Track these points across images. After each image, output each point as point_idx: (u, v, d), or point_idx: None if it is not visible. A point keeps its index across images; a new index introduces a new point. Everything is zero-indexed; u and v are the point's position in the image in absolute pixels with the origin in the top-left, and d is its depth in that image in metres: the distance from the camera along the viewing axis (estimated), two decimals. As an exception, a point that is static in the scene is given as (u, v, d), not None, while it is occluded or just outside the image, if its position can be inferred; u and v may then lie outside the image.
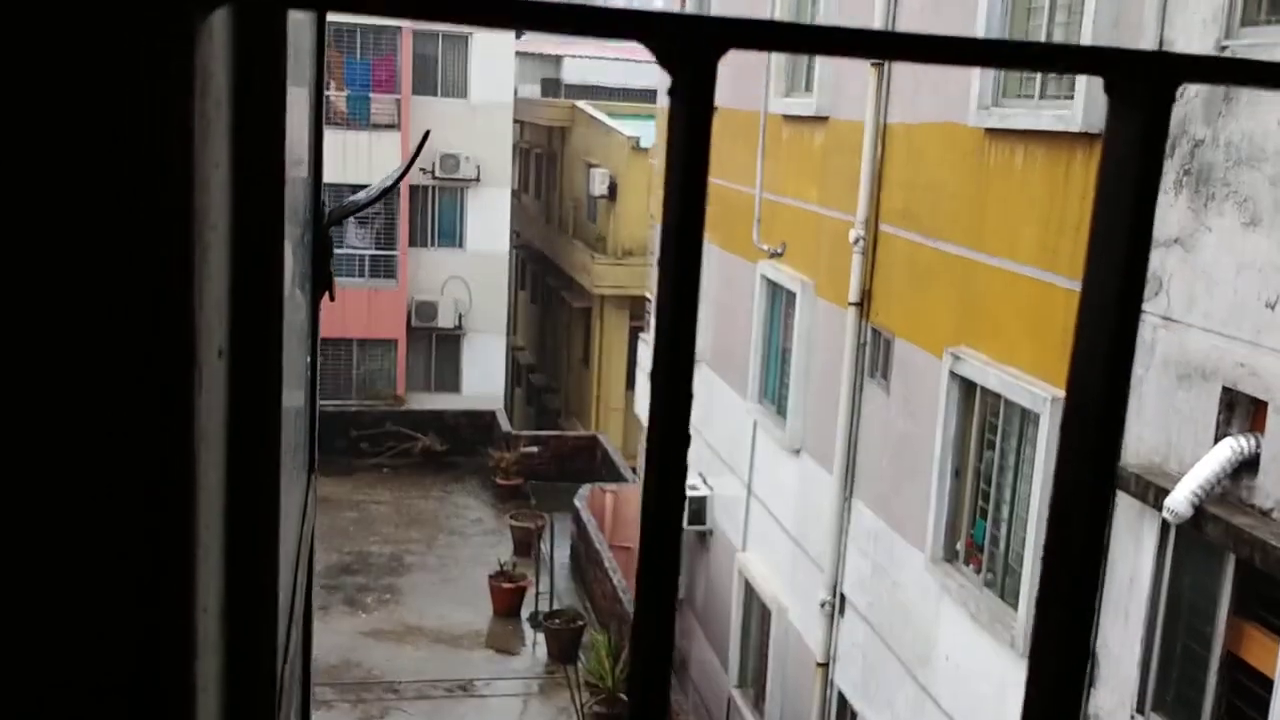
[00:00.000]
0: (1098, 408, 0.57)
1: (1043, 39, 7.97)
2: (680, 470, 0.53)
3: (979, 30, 8.37)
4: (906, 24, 9.74)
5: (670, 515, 0.56)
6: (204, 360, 0.55)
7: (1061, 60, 0.55)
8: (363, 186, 21.28)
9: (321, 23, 1.62)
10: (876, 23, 9.96)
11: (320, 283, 1.52)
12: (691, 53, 0.50)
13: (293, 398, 1.26)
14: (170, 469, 0.49)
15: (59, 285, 0.46)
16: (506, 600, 17.33)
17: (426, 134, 2.85)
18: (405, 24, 24.87)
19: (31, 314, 0.46)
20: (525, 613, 17.36)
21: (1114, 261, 0.56)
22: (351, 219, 25.38)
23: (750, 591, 12.97)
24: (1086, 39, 7.18)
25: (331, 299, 1.61)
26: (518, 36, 26.83)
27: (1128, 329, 0.57)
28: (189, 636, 0.54)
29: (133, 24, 0.44)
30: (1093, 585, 0.62)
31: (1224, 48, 6.15)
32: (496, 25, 0.49)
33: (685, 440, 0.55)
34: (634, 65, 34.12)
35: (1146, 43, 6.67)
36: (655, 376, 0.56)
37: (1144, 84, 0.54)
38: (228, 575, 0.74)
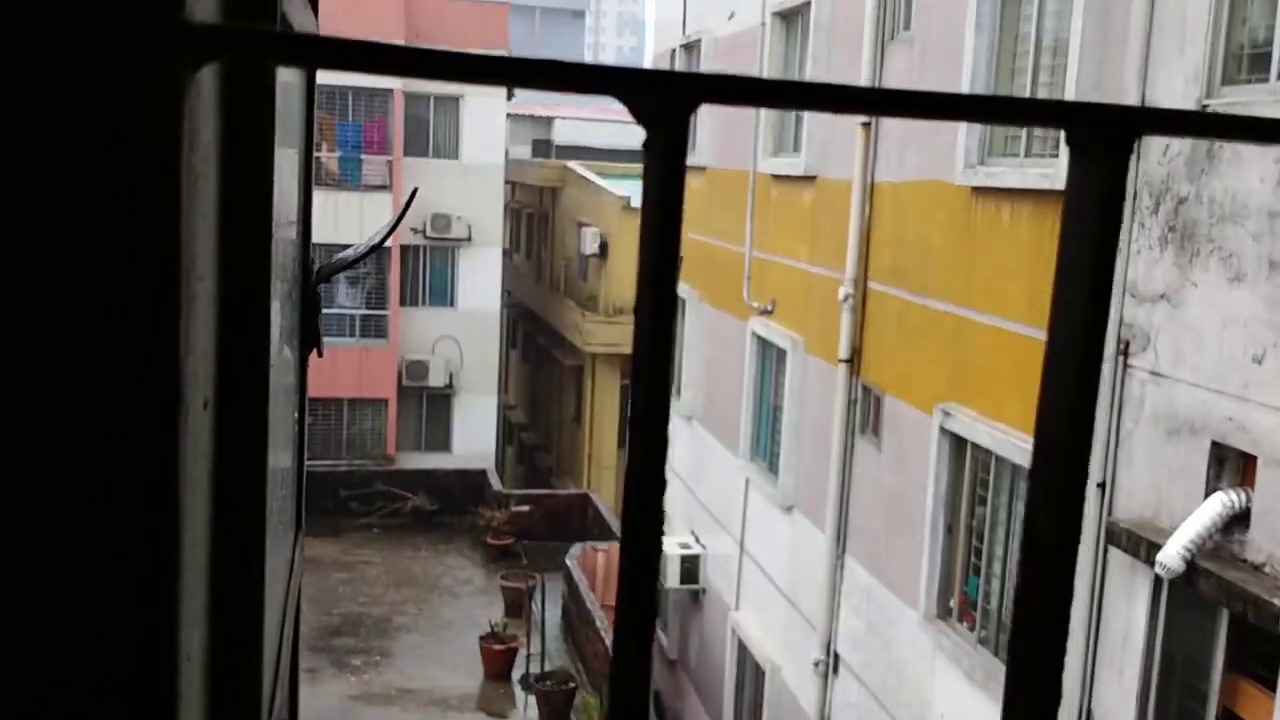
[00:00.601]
0: (1064, 458, 0.58)
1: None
2: (658, 512, 0.54)
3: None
4: (893, 86, 9.88)
5: (648, 562, 0.56)
6: (190, 408, 0.56)
7: (1022, 113, 0.57)
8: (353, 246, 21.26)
9: (311, 82, 1.64)
10: (863, 83, 10.11)
11: (308, 340, 1.53)
12: (664, 107, 0.52)
13: (280, 454, 1.26)
14: (154, 515, 0.50)
15: (46, 329, 0.47)
16: (497, 662, 17.14)
17: (414, 192, 2.88)
18: (397, 86, 25.14)
19: (17, 359, 0.47)
20: (517, 675, 17.16)
21: (1077, 309, 0.58)
22: (342, 278, 25.46)
23: (743, 650, 12.86)
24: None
25: (319, 355, 1.62)
26: (509, 98, 27.13)
27: (1090, 377, 0.58)
28: (172, 685, 0.55)
29: (123, 77, 0.45)
30: (1063, 629, 0.63)
31: (1205, 106, 6.25)
32: (476, 82, 0.51)
33: (662, 484, 0.56)
34: (623, 126, 34.47)
35: (1129, 103, 6.78)
36: (633, 428, 0.57)
37: (1103, 136, 0.56)
38: (212, 625, 0.74)
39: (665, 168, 0.52)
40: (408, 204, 2.65)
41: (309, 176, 1.70)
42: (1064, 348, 0.59)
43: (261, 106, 0.68)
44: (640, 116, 0.53)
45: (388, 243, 24.87)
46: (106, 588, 0.50)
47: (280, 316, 1.43)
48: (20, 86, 0.44)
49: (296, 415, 1.58)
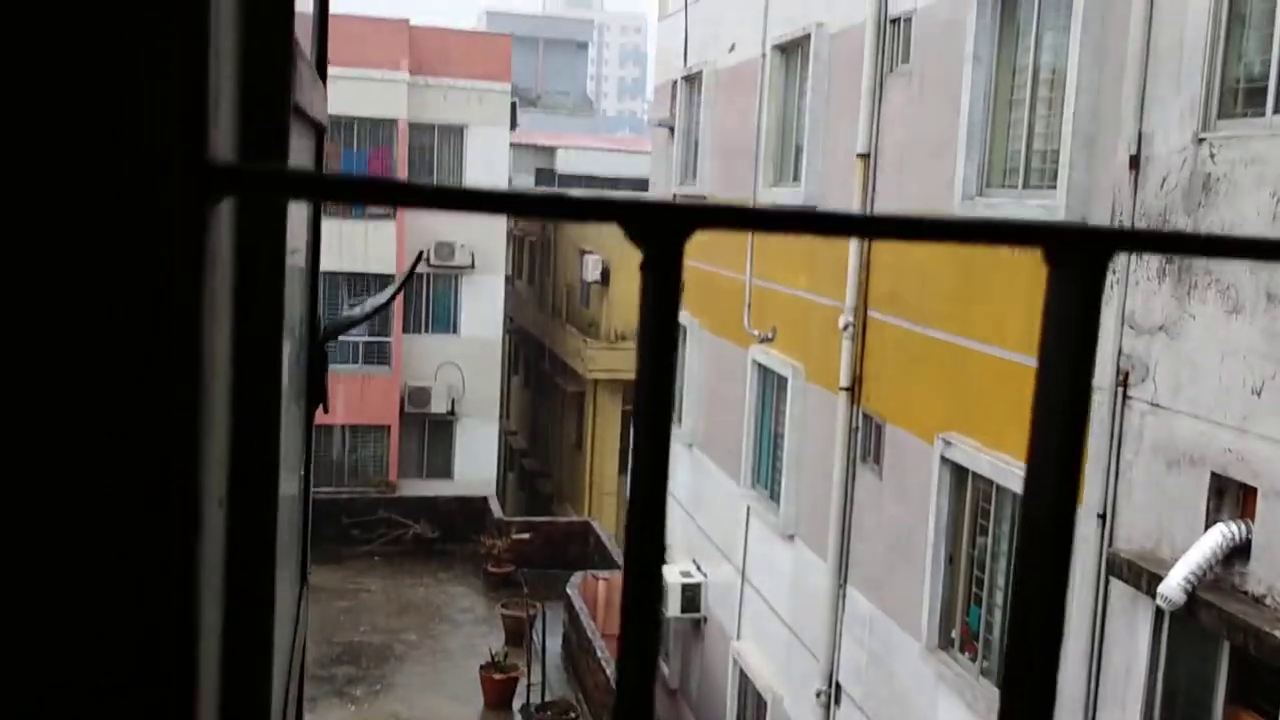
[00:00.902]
0: (1046, 574, 0.60)
1: (1024, 133, 8.15)
2: (659, 544, 0.56)
3: (962, 122, 8.55)
4: (892, 119, 9.96)
5: (650, 591, 0.59)
6: (207, 512, 0.59)
7: (1000, 234, 0.60)
8: (358, 275, 21.34)
9: (320, 143, 1.68)
10: (862, 115, 10.18)
11: (314, 397, 1.56)
12: (660, 234, 0.55)
13: (287, 514, 1.29)
14: (173, 633, 0.52)
15: (74, 441, 0.50)
16: (498, 691, 17.07)
17: (420, 254, 2.93)
18: (401, 115, 25.29)
19: (43, 467, 0.49)
20: (517, 704, 17.08)
21: (1056, 416, 0.60)
22: (346, 303, 25.51)
23: (745, 680, 12.82)
24: (1067, 132, 7.35)
25: (325, 411, 1.65)
26: (512, 127, 27.28)
27: (1069, 482, 0.60)
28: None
29: (149, 215, 0.48)
30: (1054, 664, 0.65)
31: (1201, 139, 6.30)
32: (484, 213, 0.54)
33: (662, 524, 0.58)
34: (626, 156, 34.64)
35: (1126, 136, 6.83)
36: (629, 525, 0.59)
37: (1078, 255, 0.59)
38: (222, 710, 0.76)
39: (660, 290, 0.55)
40: (414, 264, 2.69)
41: (318, 232, 1.73)
42: (1043, 453, 0.61)
43: (277, 221, 0.72)
44: (639, 242, 0.55)
45: (391, 270, 24.96)
46: (124, 695, 0.52)
47: (288, 377, 1.46)
48: (60, 221, 0.47)
49: (303, 472, 1.61)
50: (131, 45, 0.45)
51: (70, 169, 0.45)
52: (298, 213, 1.43)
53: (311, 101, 1.21)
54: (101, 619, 0.51)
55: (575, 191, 0.52)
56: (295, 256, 1.46)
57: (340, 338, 26.90)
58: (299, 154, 1.30)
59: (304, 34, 1.45)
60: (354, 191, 0.49)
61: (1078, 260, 0.58)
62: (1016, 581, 0.63)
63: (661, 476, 0.60)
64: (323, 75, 1.60)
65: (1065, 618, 0.62)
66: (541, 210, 0.55)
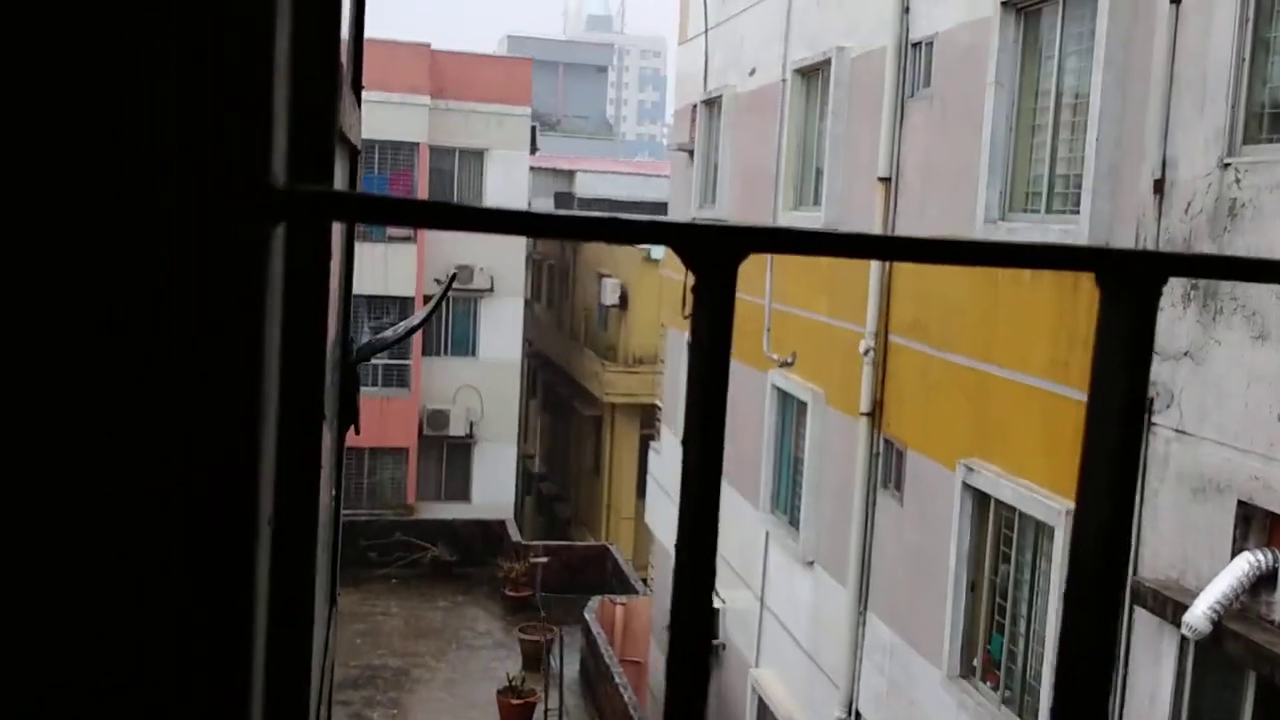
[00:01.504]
0: (1101, 588, 0.60)
1: (1046, 157, 8.14)
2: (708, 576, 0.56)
3: (989, 76, 8.50)
4: (913, 143, 9.96)
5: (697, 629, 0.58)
6: (260, 531, 0.59)
7: (1051, 258, 0.60)
8: (378, 298, 21.43)
9: (354, 163, 1.69)
10: (883, 139, 10.19)
11: (346, 418, 1.57)
12: (714, 257, 0.55)
13: (320, 540, 1.29)
14: (228, 646, 0.52)
15: (139, 462, 0.50)
16: (515, 716, 17.01)
17: (453, 275, 2.95)
18: (422, 140, 25.46)
19: (109, 489, 0.50)
20: (535, 728, 17.01)
21: (1108, 441, 0.60)
22: (365, 327, 25.62)
23: (764, 708, 12.73)
24: (1090, 157, 7.33)
25: (357, 433, 1.65)
26: (532, 151, 27.42)
27: (1125, 506, 0.60)
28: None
29: (215, 236, 0.49)
30: (1103, 705, 0.64)
31: (1226, 164, 6.27)
32: (533, 236, 0.54)
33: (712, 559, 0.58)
34: (645, 179, 34.75)
35: (1150, 161, 6.81)
36: (678, 568, 0.59)
37: (1132, 279, 0.58)
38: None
39: (713, 315, 0.55)
40: (447, 286, 2.69)
41: (351, 254, 1.74)
42: (1096, 478, 0.60)
43: (322, 243, 0.72)
44: (691, 265, 0.56)
45: (411, 293, 25.07)
46: (174, 694, 0.52)
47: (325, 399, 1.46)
48: (132, 242, 0.48)
49: (335, 493, 1.61)
50: (201, 70, 0.46)
51: (142, 191, 0.46)
52: (333, 236, 1.44)
53: (351, 125, 1.22)
54: (162, 635, 0.51)
55: (629, 216, 0.52)
56: (330, 279, 1.48)
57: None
58: (338, 177, 1.32)
59: (342, 56, 1.47)
60: (405, 214, 0.49)
61: (1131, 285, 0.58)
62: (1064, 626, 0.62)
63: (713, 503, 0.59)
64: (358, 97, 1.62)
65: (1115, 659, 0.62)
66: (597, 234, 0.55)
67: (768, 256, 13.07)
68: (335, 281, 1.55)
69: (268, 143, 0.47)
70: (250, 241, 0.48)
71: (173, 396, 0.48)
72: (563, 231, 0.53)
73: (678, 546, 0.58)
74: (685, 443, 0.56)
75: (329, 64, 0.75)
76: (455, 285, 26.06)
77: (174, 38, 0.46)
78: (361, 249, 25.16)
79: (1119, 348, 0.59)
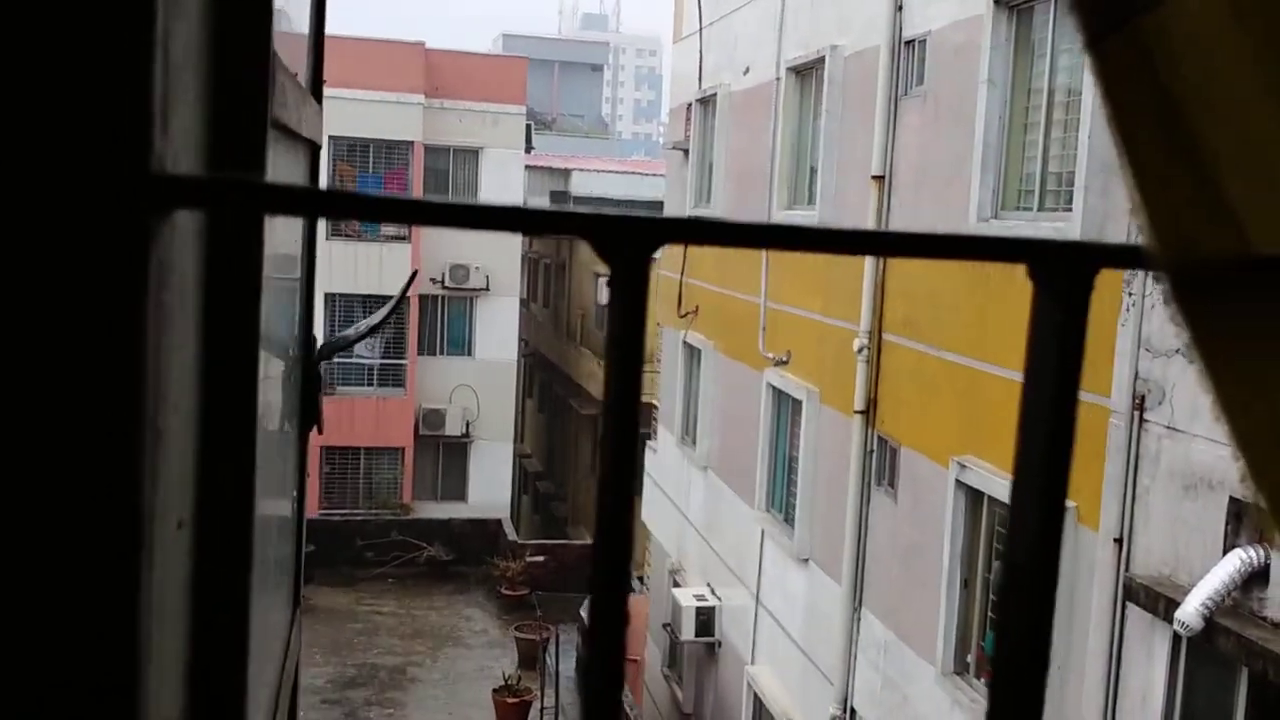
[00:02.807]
0: (1032, 597, 0.58)
1: (1039, 155, 8.12)
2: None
3: (981, 75, 8.49)
4: (906, 141, 9.95)
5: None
6: (159, 533, 0.57)
7: (984, 250, 0.58)
8: (373, 297, 21.44)
9: (315, 159, 1.67)
10: (877, 138, 10.18)
11: (309, 418, 1.55)
12: (626, 248, 0.53)
13: (272, 541, 1.27)
14: (114, 646, 0.50)
15: (7, 457, 0.48)
16: (511, 715, 17.00)
17: (414, 274, 2.93)
18: (417, 138, 25.43)
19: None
20: (531, 728, 17.01)
21: (1041, 437, 0.58)
22: (370, 330, 25.59)
23: (760, 705, 12.72)
24: (1082, 155, 7.32)
25: (320, 433, 1.63)
26: (528, 150, 27.39)
27: (1055, 504, 0.58)
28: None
29: (88, 228, 0.47)
30: (1043, 669, 0.62)
31: (1216, 162, 6.26)
32: (440, 225, 0.52)
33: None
34: (641, 177, 34.74)
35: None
36: (595, 550, 0.58)
37: (1063, 271, 0.57)
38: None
39: (627, 305, 0.53)
40: (407, 285, 2.69)
41: (313, 251, 1.72)
42: (1028, 473, 0.59)
43: (251, 236, 0.70)
44: (604, 256, 0.54)
45: (407, 293, 25.08)
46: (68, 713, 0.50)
47: (282, 397, 1.44)
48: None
49: (296, 494, 1.59)
50: (70, 52, 0.44)
51: (5, 179, 0.44)
52: (290, 233, 1.42)
53: (301, 119, 1.20)
54: (40, 641, 0.49)
55: (536, 205, 0.50)
56: (287, 276, 1.45)
57: (355, 360, 26.93)
58: (288, 171, 1.30)
59: (298, 55, 1.45)
60: (305, 204, 0.48)
61: (1062, 277, 0.57)
62: (999, 605, 0.61)
63: (626, 489, 0.58)
64: (318, 96, 1.60)
65: (1050, 650, 0.60)
66: (503, 224, 0.53)
67: (763, 256, 13.05)
68: (295, 279, 1.53)
69: (146, 128, 0.46)
70: (128, 229, 0.46)
71: (40, 392, 0.46)
72: (462, 221, 0.52)
73: (593, 549, 0.56)
74: (602, 432, 0.55)
75: (258, 55, 0.73)
76: (450, 284, 26.03)
77: (38, 24, 0.44)
78: (357, 249, 25.26)
79: (1052, 340, 0.57)
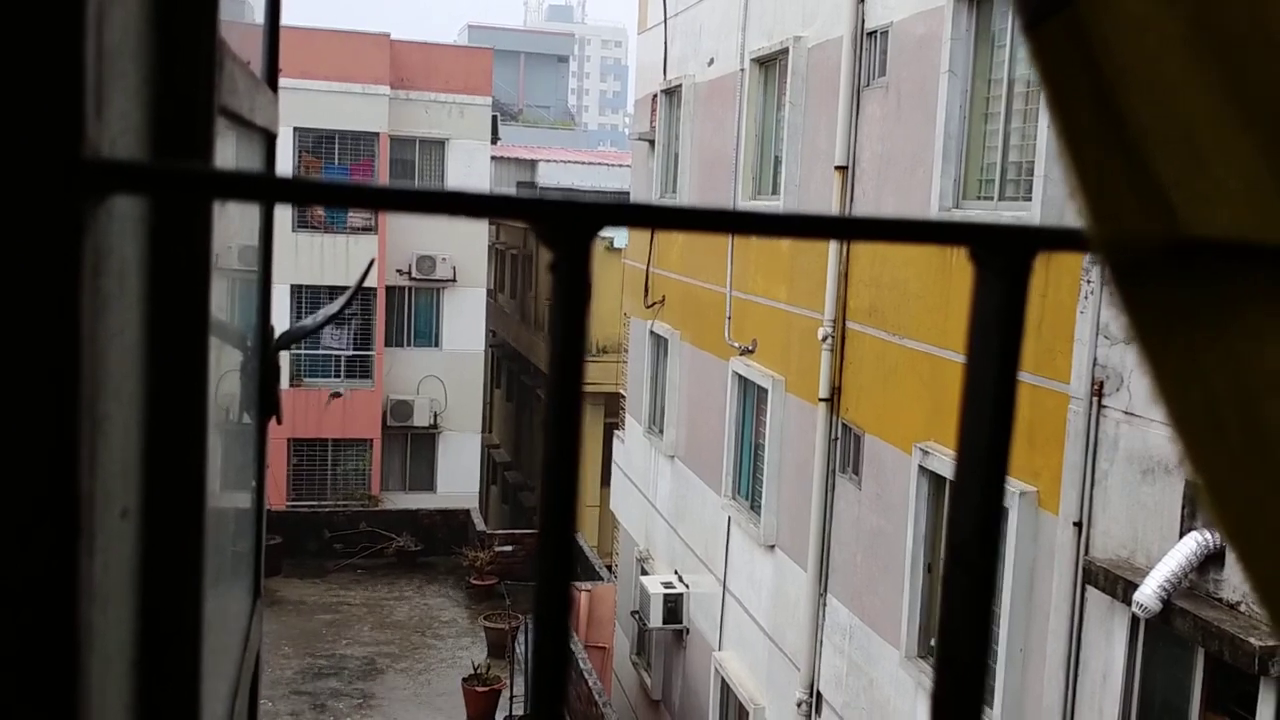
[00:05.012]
0: (972, 571, 0.59)
1: (999, 144, 8.19)
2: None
3: (943, 66, 8.54)
4: (869, 132, 9.99)
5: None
6: (99, 526, 0.57)
7: (929, 234, 0.59)
8: (339, 288, 21.27)
9: (271, 149, 1.66)
10: (840, 128, 10.21)
11: (267, 408, 1.54)
12: (567, 233, 0.53)
13: (229, 532, 1.26)
14: (51, 632, 0.50)
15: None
16: (481, 704, 16.99)
17: (371, 262, 2.92)
18: (383, 129, 25.27)
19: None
20: (500, 716, 17.01)
21: (982, 418, 0.59)
22: (328, 319, 25.42)
23: (727, 690, 12.79)
24: (1042, 144, 7.38)
25: (279, 422, 1.63)
26: (494, 141, 27.28)
27: (996, 482, 0.59)
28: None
29: (15, 213, 0.47)
30: (979, 682, 0.63)
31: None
32: (385, 210, 0.53)
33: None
34: (608, 169, 34.68)
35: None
36: (540, 519, 0.58)
37: (1002, 254, 0.58)
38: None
39: (569, 289, 0.54)
40: (364, 274, 2.68)
41: (270, 240, 1.71)
42: (971, 455, 0.60)
43: (197, 223, 0.70)
44: (547, 240, 0.54)
45: (373, 283, 24.90)
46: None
47: (239, 386, 1.43)
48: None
49: (255, 484, 1.58)
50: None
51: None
52: (247, 221, 1.41)
53: (253, 107, 1.19)
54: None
55: (477, 190, 0.50)
56: (243, 265, 1.45)
57: (322, 352, 26.70)
58: (242, 159, 1.29)
59: (252, 43, 1.44)
60: (241, 189, 0.48)
61: (1002, 258, 0.58)
62: (943, 605, 0.61)
63: (572, 471, 0.58)
64: (273, 85, 1.59)
65: (991, 625, 0.61)
66: (447, 208, 0.53)
67: (728, 246, 13.08)
68: (251, 267, 1.52)
69: (77, 113, 0.45)
70: (57, 216, 0.46)
71: None
72: (405, 205, 0.52)
73: (538, 536, 0.56)
74: (545, 421, 0.55)
75: (204, 41, 0.73)
76: (418, 275, 25.91)
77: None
78: (323, 240, 25.07)
79: (993, 322, 0.58)
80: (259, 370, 1.50)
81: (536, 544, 0.57)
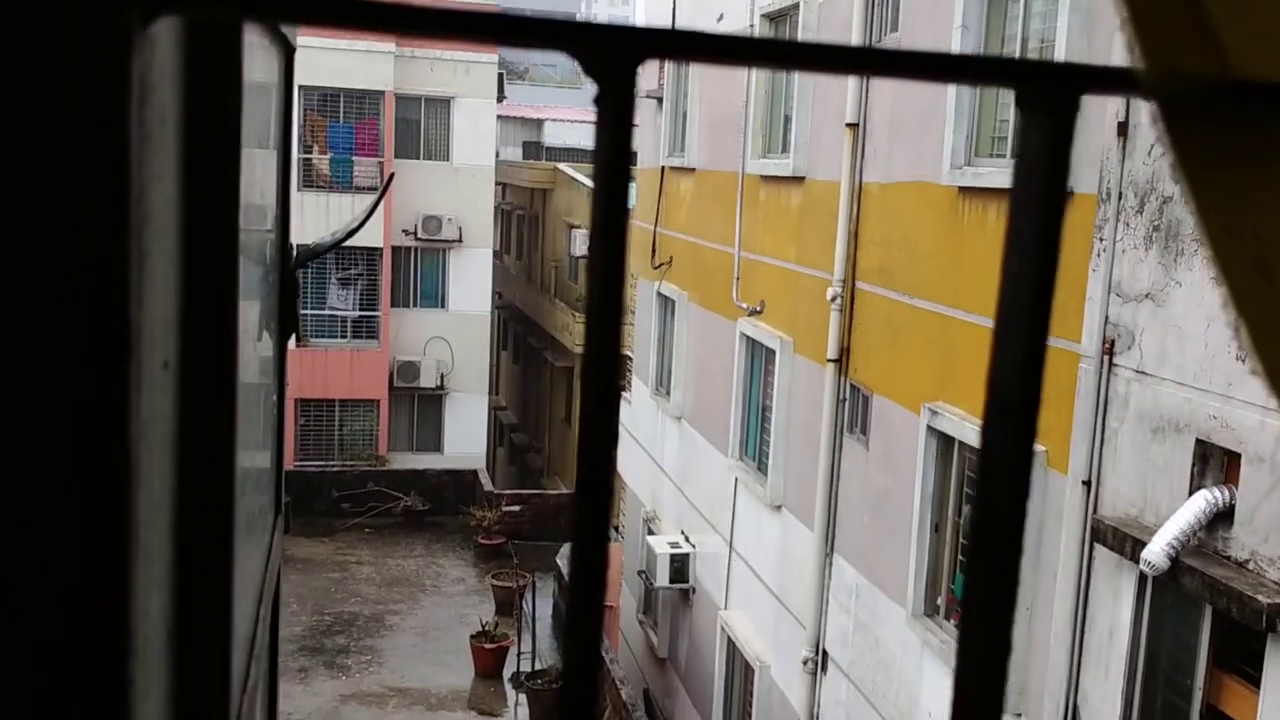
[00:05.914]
0: (1015, 424, 0.58)
1: (1011, 101, 8.10)
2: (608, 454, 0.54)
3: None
4: (881, 88, 9.91)
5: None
6: (146, 365, 0.57)
7: (969, 71, 0.58)
8: (346, 249, 21.07)
9: (290, 62, 1.65)
10: (851, 85, 10.13)
11: (288, 324, 1.54)
12: (614, 61, 0.52)
13: (256, 429, 1.26)
14: (104, 469, 0.50)
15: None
16: (488, 661, 17.14)
17: (390, 176, 2.90)
18: (388, 88, 25.13)
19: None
20: (508, 673, 17.16)
21: (1026, 266, 0.58)
22: (334, 280, 25.43)
23: (733, 649, 12.87)
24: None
25: (299, 342, 1.63)
26: (499, 100, 27.12)
27: (1039, 335, 0.58)
28: (124, 642, 0.55)
29: (62, 34, 0.46)
30: (1012, 596, 0.63)
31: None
32: (422, 36, 0.52)
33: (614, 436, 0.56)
34: (615, 127, 34.49)
35: (1114, 103, 6.80)
36: (584, 378, 0.57)
37: (1049, 93, 0.57)
38: (177, 589, 0.74)
39: (614, 120, 0.53)
40: (384, 187, 2.66)
41: (287, 161, 1.70)
42: (1014, 304, 0.59)
43: (227, 68, 0.69)
44: (590, 71, 0.53)
45: (379, 243, 24.86)
46: (51, 549, 0.50)
47: (258, 301, 1.43)
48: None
49: (275, 398, 1.58)
50: None
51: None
52: (264, 158, 1.39)
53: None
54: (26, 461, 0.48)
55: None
56: (264, 186, 1.44)
57: (329, 313, 26.64)
58: (267, 72, 1.28)
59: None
60: (284, 7, 0.47)
61: (1050, 96, 0.57)
62: (976, 506, 0.61)
63: (616, 341, 0.58)
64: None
65: (1019, 580, 0.59)
66: (479, 34, 0.52)
67: (737, 206, 13.02)
68: (272, 188, 1.51)
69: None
70: (107, 40, 0.45)
71: (25, 205, 0.45)
72: (437, 28, 0.51)
73: (579, 455, 0.56)
74: (589, 251, 0.54)
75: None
76: (424, 236, 25.85)
77: None
78: (329, 199, 24.99)
79: (1039, 162, 0.57)
80: (279, 286, 1.50)
81: (580, 436, 0.56)
